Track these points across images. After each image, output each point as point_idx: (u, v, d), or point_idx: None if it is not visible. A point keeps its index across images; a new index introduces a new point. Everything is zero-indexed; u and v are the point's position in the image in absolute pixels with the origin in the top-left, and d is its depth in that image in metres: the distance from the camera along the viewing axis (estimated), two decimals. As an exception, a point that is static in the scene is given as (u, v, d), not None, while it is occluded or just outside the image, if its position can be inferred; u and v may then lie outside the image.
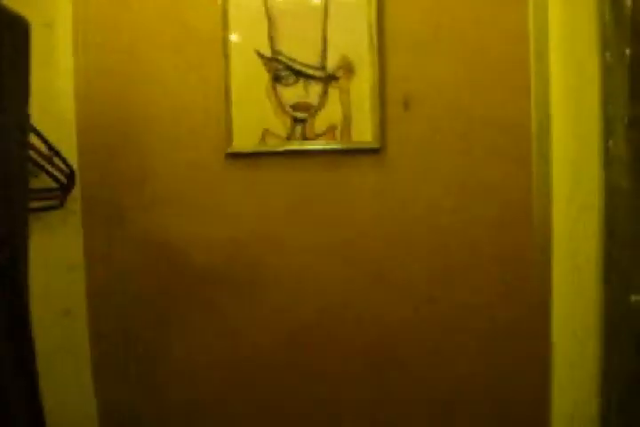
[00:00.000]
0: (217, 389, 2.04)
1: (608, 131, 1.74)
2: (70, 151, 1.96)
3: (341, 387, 1.99)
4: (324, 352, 1.99)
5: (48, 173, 1.84)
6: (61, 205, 1.94)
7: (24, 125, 1.51)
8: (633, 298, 1.69)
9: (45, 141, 1.80)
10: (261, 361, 2.02)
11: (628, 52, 1.68)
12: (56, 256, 1.97)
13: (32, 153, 1.72)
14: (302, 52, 1.94)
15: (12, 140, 1.43)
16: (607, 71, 1.71)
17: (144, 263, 2.04)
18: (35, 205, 1.76)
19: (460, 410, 1.95)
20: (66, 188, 1.92)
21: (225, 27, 1.95)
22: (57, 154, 1.86)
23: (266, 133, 1.96)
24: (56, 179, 1.88)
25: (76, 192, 1.99)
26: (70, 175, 1.92)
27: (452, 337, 1.95)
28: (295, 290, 2.00)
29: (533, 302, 1.86)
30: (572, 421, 1.77)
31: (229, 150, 1.97)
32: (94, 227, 2.04)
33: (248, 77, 1.96)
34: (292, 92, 1.95)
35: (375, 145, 1.93)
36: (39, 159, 1.79)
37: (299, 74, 1.94)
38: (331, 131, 1.95)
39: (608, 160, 1.75)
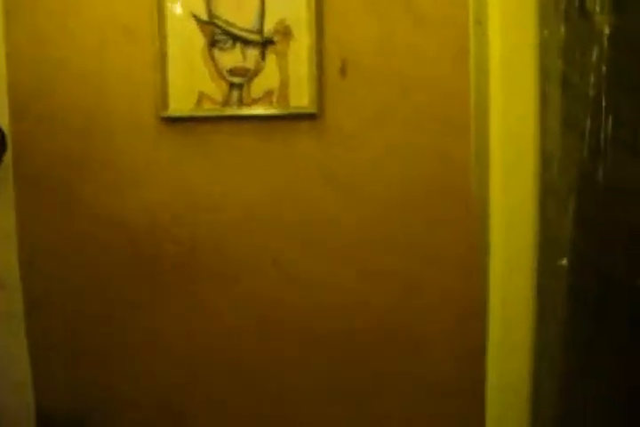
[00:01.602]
0: (161, 357, 2.03)
1: (544, 92, 1.73)
2: (1, 117, 1.92)
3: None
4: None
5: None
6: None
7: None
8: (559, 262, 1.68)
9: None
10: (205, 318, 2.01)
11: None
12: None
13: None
14: (239, 15, 1.92)
15: None
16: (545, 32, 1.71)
17: (80, 230, 2.01)
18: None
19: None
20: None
21: (161, -10, 1.92)
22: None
23: (202, 98, 1.93)
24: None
25: (8, 159, 1.94)
26: (1, 139, 1.88)
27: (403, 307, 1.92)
28: (233, 256, 1.98)
29: (469, 266, 1.83)
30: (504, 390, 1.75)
31: (164, 115, 1.94)
32: (27, 195, 2.01)
33: (184, 42, 1.93)
34: (229, 57, 1.93)
35: (312, 110, 1.91)
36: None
37: (235, 38, 1.92)
38: (268, 96, 1.92)
39: (544, 127, 1.75)
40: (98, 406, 2.05)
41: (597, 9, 1.63)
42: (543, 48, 1.74)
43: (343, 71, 1.91)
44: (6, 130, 1.90)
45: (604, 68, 1.63)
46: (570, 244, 1.70)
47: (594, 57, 1.64)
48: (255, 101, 1.93)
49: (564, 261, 1.71)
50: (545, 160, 1.76)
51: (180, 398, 2.04)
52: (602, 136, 1.66)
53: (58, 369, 2.07)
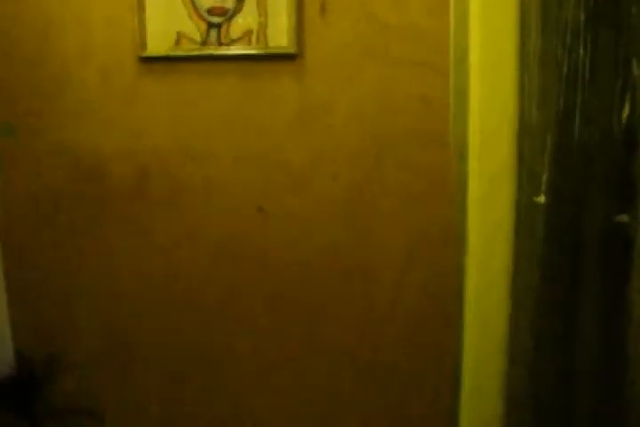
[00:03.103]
0: (133, 300, 2.04)
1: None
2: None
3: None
4: (243, 258, 2.00)
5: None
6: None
7: None
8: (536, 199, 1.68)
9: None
10: (180, 269, 2.04)
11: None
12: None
13: None
14: (218, -46, 1.89)
15: None
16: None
17: (60, 175, 2.03)
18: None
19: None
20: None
21: None
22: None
23: (180, 38, 1.92)
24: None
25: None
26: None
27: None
28: (212, 199, 1.99)
29: (449, 210, 1.83)
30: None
31: (143, 54, 1.93)
32: (5, 140, 2.00)
33: (162, -20, 1.90)
34: (208, -4, 1.90)
35: (291, 50, 1.89)
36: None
37: (214, -23, 1.89)
38: (247, 36, 1.91)
39: (523, 65, 1.74)
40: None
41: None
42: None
43: (323, 10, 1.89)
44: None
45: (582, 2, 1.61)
46: (547, 181, 1.70)
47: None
48: (234, 41, 1.91)
49: (542, 198, 1.71)
50: (522, 99, 1.75)
51: (127, 328, 2.08)
52: (579, 74, 1.65)
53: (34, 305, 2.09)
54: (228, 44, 1.91)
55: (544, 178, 1.70)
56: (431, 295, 1.89)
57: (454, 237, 1.80)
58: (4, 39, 2.00)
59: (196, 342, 2.06)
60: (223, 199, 1.99)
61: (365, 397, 1.99)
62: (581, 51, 1.63)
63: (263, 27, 1.90)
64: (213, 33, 1.91)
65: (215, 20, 1.91)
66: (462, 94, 1.84)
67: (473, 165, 1.82)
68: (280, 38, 1.89)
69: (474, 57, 1.83)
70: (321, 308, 1.98)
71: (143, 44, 1.92)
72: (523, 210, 1.74)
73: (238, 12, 1.90)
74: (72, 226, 2.06)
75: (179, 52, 1.93)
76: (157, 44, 1.93)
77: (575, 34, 1.64)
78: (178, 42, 1.92)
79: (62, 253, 2.09)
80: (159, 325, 2.06)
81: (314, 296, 1.97)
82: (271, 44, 1.90)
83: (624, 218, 1.59)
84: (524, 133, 1.75)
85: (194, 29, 1.91)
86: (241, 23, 1.91)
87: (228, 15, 1.90)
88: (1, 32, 2.00)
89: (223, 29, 1.91)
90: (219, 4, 1.90)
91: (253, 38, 1.90)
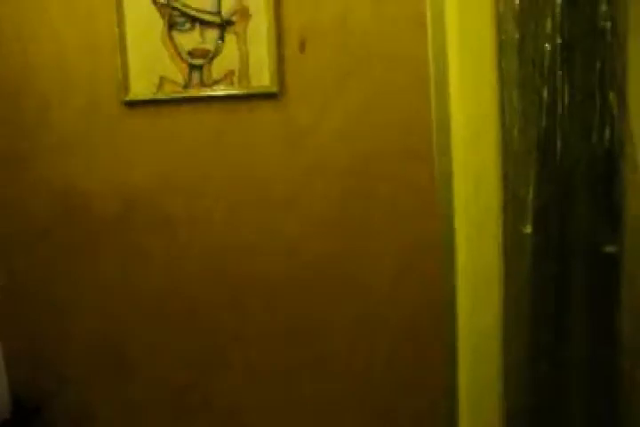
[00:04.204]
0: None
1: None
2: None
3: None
4: (225, 285, 2.02)
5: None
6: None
7: None
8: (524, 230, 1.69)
9: None
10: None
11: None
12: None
13: None
14: (197, -3, 1.92)
15: None
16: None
17: (43, 210, 2.04)
18: None
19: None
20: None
21: (116, -27, 1.93)
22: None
23: (163, 81, 1.94)
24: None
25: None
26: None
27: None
28: (196, 232, 2.01)
29: (435, 235, 1.83)
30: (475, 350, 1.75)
31: (126, 98, 1.95)
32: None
33: (143, 25, 1.94)
34: (189, 39, 1.93)
35: (273, 89, 1.92)
36: None
37: (194, 20, 1.93)
38: (229, 76, 1.93)
39: (503, 100, 1.78)
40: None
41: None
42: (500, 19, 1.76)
43: (302, 48, 1.93)
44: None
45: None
46: (533, 211, 1.71)
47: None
48: (216, 82, 1.94)
49: (529, 229, 1.72)
50: (504, 124, 1.78)
51: (121, 341, 2.08)
52: (559, 99, 1.68)
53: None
54: (210, 86, 1.94)
55: (530, 206, 1.71)
56: (423, 307, 1.89)
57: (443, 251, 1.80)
58: None
59: (191, 355, 2.06)
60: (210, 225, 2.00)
61: (358, 407, 1.99)
62: (559, 76, 1.66)
63: (245, 67, 1.93)
64: (196, 74, 1.93)
65: (197, 61, 1.93)
66: (445, 120, 1.87)
67: (458, 190, 1.83)
68: (262, 78, 1.92)
69: (454, 86, 1.86)
70: (312, 319, 1.99)
71: (126, 88, 1.94)
72: (510, 237, 1.74)
73: (219, 53, 1.93)
74: (60, 251, 2.07)
75: (162, 96, 1.95)
76: (140, 88, 1.94)
77: (552, 60, 1.67)
78: (160, 85, 1.94)
79: (48, 278, 2.09)
80: (153, 339, 2.07)
81: (305, 308, 1.99)
82: (253, 83, 1.93)
83: (610, 249, 1.60)
84: (508, 159, 1.76)
85: (176, 72, 1.94)
86: (222, 64, 1.93)
87: (210, 56, 1.93)
88: None
89: (205, 71, 1.93)
90: (200, 46, 1.93)
91: (235, 79, 1.93)
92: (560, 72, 1.68)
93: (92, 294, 2.08)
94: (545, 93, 1.70)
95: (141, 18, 1.93)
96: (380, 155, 1.91)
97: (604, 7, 1.59)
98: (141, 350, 2.08)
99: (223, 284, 2.01)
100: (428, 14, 1.88)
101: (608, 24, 1.60)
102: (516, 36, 1.74)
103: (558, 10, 1.67)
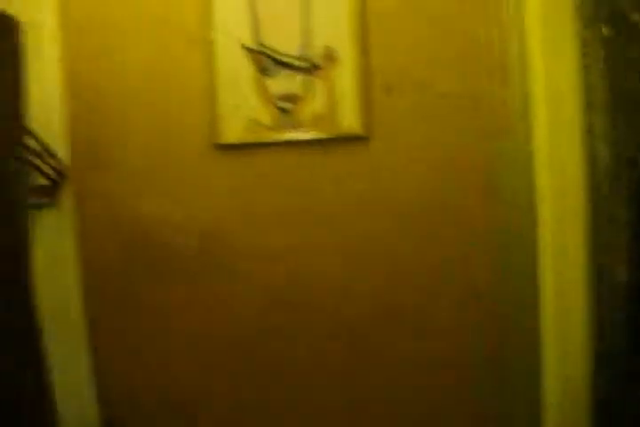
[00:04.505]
0: (195, 362, 2.08)
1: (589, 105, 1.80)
2: (59, 147, 1.96)
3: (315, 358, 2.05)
4: (298, 327, 2.05)
5: (39, 170, 1.85)
6: (52, 201, 1.95)
7: (20, 123, 1.54)
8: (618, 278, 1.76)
9: (36, 139, 1.81)
10: (238, 333, 2.07)
11: (604, 30, 1.74)
12: (47, 250, 1.98)
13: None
14: (286, 43, 1.97)
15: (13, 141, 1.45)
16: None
17: (135, 251, 2.08)
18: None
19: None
20: (56, 184, 1.93)
21: (209, 21, 1.97)
22: (47, 150, 1.86)
23: (252, 124, 1.99)
24: (47, 176, 1.89)
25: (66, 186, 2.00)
26: (60, 171, 1.93)
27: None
28: (282, 273, 2.05)
29: (524, 279, 1.92)
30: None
31: (216, 141, 2.00)
32: (85, 221, 2.06)
33: (233, 70, 1.99)
34: (278, 83, 1.98)
35: (360, 132, 1.98)
36: (31, 157, 1.79)
37: (283, 65, 1.97)
38: (317, 120, 1.99)
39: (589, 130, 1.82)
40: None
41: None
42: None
43: (389, 92, 1.98)
44: (63, 152, 1.96)
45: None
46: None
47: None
48: (304, 126, 1.99)
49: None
50: (592, 170, 1.83)
51: (183, 388, 2.08)
52: None
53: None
54: (298, 129, 1.99)
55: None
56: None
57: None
58: (89, 112, 2.05)
59: (258, 399, 2.08)
60: (284, 266, 2.06)
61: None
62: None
63: (332, 111, 1.98)
64: (285, 118, 1.99)
65: (286, 105, 1.98)
66: (528, 161, 1.94)
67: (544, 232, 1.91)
68: (349, 121, 1.98)
69: (539, 128, 1.92)
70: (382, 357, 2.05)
71: (216, 131, 1.99)
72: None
73: (307, 98, 1.98)
74: (134, 286, 2.09)
75: (251, 139, 2.00)
76: (230, 131, 1.99)
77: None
78: (250, 128, 1.99)
79: (124, 311, 2.11)
80: (208, 383, 2.08)
81: (374, 350, 2.05)
82: (341, 127, 1.98)
83: None
84: (597, 202, 1.82)
85: (266, 115, 1.99)
86: (310, 108, 1.98)
87: (298, 101, 1.98)
88: (87, 106, 2.04)
89: (294, 114, 1.99)
90: (289, 91, 1.98)
91: (323, 122, 1.98)
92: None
93: (159, 333, 2.10)
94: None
95: (232, 63, 1.98)
96: (464, 198, 1.98)
97: None
98: (205, 395, 2.09)
99: (307, 330, 2.05)
100: (511, 60, 1.94)
101: None
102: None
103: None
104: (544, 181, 1.91)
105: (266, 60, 1.97)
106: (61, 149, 1.96)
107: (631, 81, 1.72)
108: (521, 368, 1.93)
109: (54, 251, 1.98)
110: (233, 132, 2.00)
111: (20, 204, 1.50)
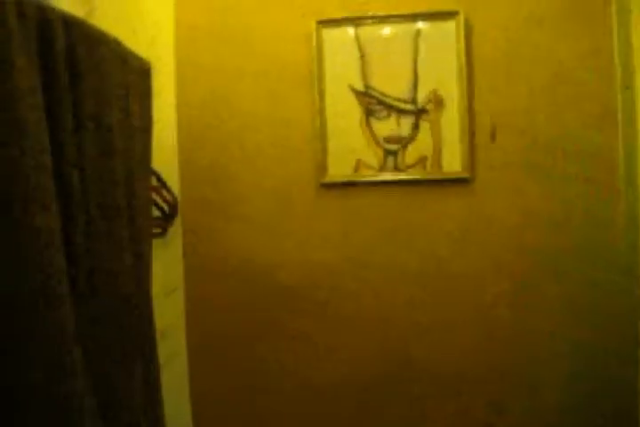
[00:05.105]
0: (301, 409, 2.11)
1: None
2: (172, 182, 2.06)
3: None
4: (407, 375, 2.07)
5: (155, 203, 1.94)
6: (164, 232, 2.03)
7: (148, 163, 1.64)
8: None
9: (155, 174, 1.90)
10: (347, 383, 2.09)
11: None
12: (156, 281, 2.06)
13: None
14: (394, 86, 2.03)
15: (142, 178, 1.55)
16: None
17: (239, 286, 2.13)
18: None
19: None
20: (169, 217, 2.02)
21: (319, 64, 2.06)
22: (164, 185, 1.96)
23: (359, 164, 2.05)
24: (161, 209, 1.98)
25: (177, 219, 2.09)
26: (174, 205, 2.02)
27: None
28: (382, 314, 2.08)
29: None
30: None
31: (324, 180, 2.06)
32: (193, 253, 2.14)
33: (342, 111, 2.06)
34: (385, 126, 2.04)
35: (464, 175, 2.00)
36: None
37: (390, 108, 2.03)
38: (421, 162, 2.03)
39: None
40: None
41: None
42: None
43: (493, 137, 2.01)
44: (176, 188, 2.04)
45: None
46: None
47: None
48: (409, 167, 2.04)
49: None
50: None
51: None
52: None
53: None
54: (403, 170, 2.03)
55: None
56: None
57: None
58: (201, 150, 2.15)
59: None
60: (387, 310, 2.08)
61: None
62: None
63: (437, 153, 2.02)
64: (390, 159, 2.04)
65: (392, 147, 2.04)
66: (634, 213, 1.92)
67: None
68: (453, 164, 2.01)
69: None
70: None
71: (324, 171, 2.05)
72: None
73: (413, 140, 2.03)
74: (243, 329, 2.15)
75: (357, 178, 2.05)
76: (337, 170, 2.05)
77: None
78: (357, 168, 2.05)
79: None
80: None
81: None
82: (445, 169, 2.02)
83: None
84: None
85: (372, 156, 2.04)
86: (416, 150, 2.03)
87: (404, 143, 2.03)
88: (199, 145, 2.15)
89: (399, 156, 2.04)
90: (395, 133, 2.03)
91: (428, 164, 2.03)
92: None
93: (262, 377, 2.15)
94: None
95: (340, 105, 2.05)
96: (566, 246, 1.99)
97: None
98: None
99: (403, 377, 2.07)
100: (619, 106, 1.94)
101: None
102: None
103: None
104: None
105: (374, 103, 2.04)
106: (174, 185, 2.05)
107: None
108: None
109: (162, 280, 2.06)
110: (339, 171, 2.05)
111: (146, 232, 1.59)
